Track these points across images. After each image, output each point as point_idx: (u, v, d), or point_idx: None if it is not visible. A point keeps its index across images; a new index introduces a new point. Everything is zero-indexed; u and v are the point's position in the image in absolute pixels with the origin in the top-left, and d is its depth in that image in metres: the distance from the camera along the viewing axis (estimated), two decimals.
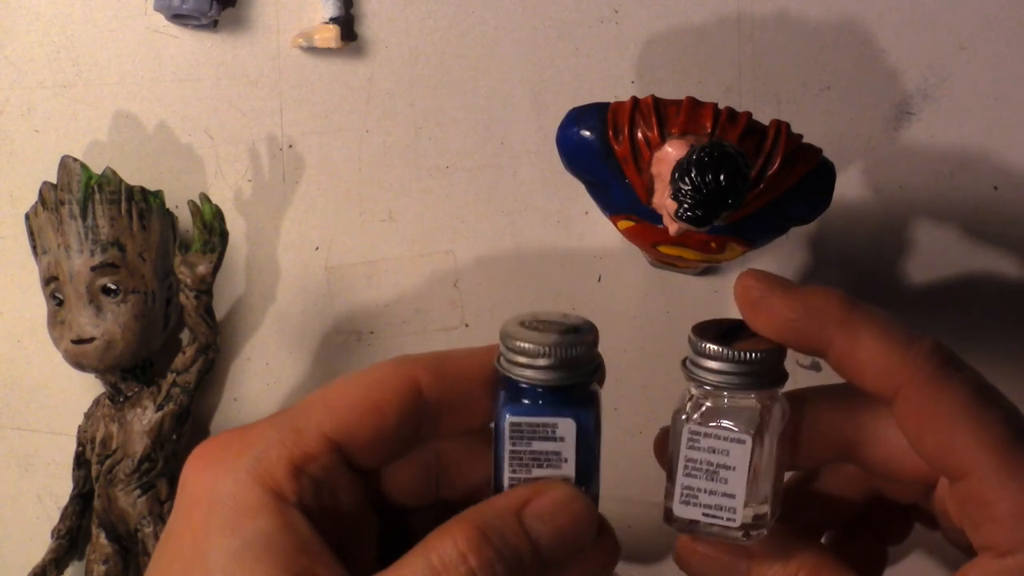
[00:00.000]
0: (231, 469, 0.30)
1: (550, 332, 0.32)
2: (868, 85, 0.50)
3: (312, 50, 0.52)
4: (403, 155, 0.52)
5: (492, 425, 0.33)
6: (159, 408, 0.50)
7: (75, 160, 0.49)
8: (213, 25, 0.52)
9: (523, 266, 0.52)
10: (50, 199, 0.49)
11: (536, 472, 0.32)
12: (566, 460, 0.32)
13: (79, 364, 0.49)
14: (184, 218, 0.52)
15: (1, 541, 0.56)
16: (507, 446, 0.32)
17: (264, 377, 0.53)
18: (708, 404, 0.32)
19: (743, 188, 0.32)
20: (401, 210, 0.52)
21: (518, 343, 0.31)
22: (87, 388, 0.53)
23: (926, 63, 0.50)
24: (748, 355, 0.31)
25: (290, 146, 0.53)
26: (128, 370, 0.50)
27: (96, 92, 0.53)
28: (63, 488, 0.53)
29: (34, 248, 0.50)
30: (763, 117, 0.39)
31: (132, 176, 0.50)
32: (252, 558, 0.29)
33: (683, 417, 0.32)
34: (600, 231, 0.51)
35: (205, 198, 0.49)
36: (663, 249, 0.36)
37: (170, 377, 0.50)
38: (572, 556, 0.31)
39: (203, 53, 0.53)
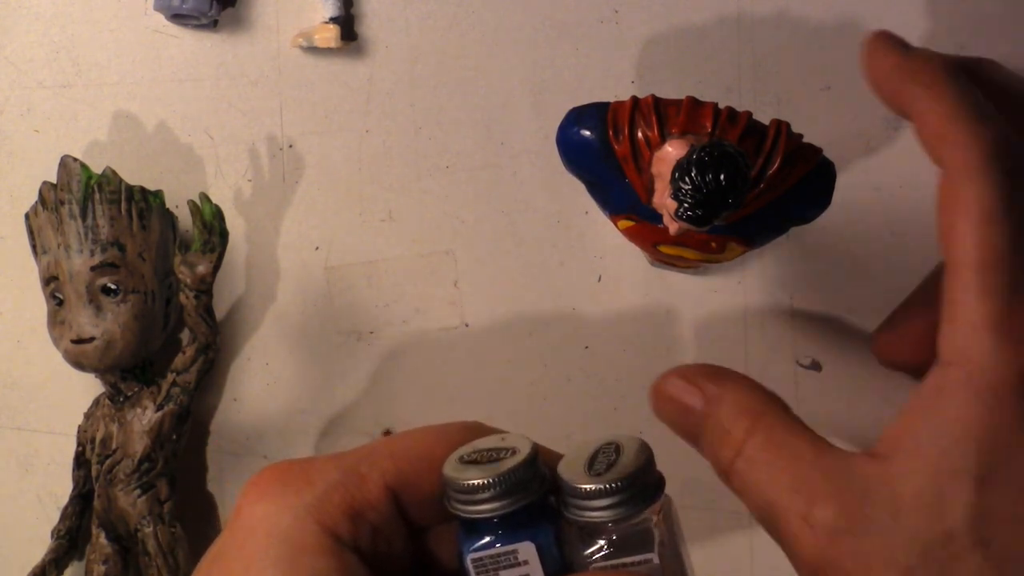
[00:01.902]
0: (291, 505, 0.31)
1: (486, 463, 0.32)
2: (868, 85, 0.50)
3: (312, 50, 0.52)
4: (403, 155, 0.52)
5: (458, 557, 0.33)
6: (159, 408, 0.50)
7: (75, 160, 0.49)
8: (213, 25, 0.52)
9: (523, 266, 0.52)
10: (50, 199, 0.49)
11: None
12: None
13: (79, 364, 0.49)
14: (184, 218, 0.52)
15: (1, 541, 0.56)
16: None
17: (264, 377, 0.53)
18: (602, 540, 0.32)
19: (743, 188, 0.32)
20: (401, 210, 0.52)
21: (457, 482, 0.31)
22: (87, 388, 0.53)
23: None
24: (622, 482, 0.31)
25: (290, 146, 0.53)
26: (128, 370, 0.50)
27: (96, 92, 0.53)
28: (63, 488, 0.53)
29: (34, 248, 0.50)
30: (763, 117, 0.39)
31: (132, 176, 0.50)
32: None
33: (585, 554, 0.32)
34: (600, 231, 0.51)
35: (205, 198, 0.49)
36: (663, 249, 0.36)
37: (170, 377, 0.50)
38: None
39: (203, 53, 0.53)
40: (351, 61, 0.52)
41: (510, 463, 0.32)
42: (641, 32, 0.50)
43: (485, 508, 0.31)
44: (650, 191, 0.35)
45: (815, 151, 0.37)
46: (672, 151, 0.33)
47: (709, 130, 0.34)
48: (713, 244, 0.35)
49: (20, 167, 0.54)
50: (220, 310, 0.53)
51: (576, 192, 0.51)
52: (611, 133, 0.35)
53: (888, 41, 0.34)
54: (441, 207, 0.52)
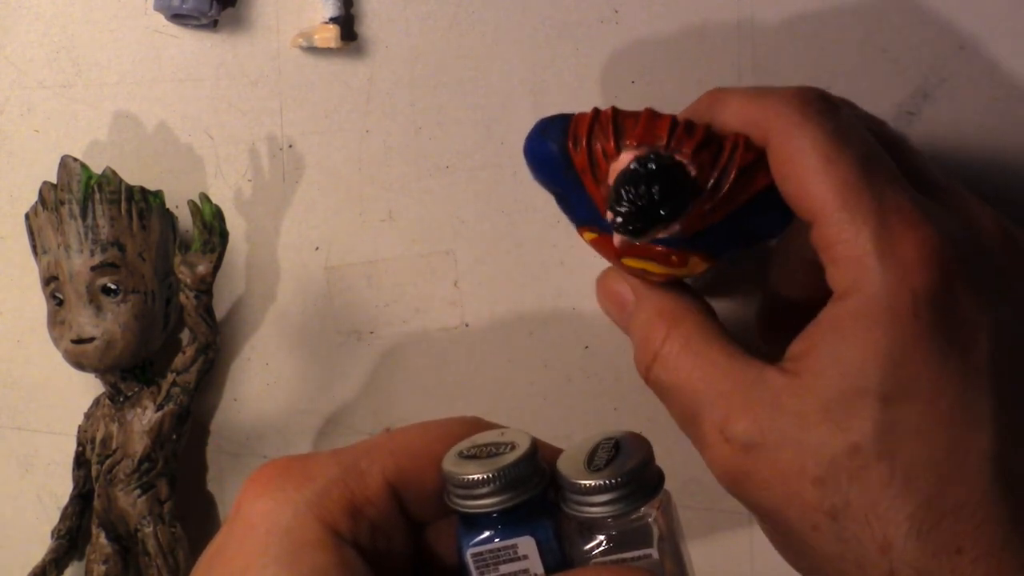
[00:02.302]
0: (291, 501, 0.31)
1: (485, 457, 0.32)
2: (868, 85, 0.50)
3: (312, 50, 0.52)
4: (403, 155, 0.52)
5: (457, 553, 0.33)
6: (159, 408, 0.50)
7: (75, 160, 0.49)
8: (213, 25, 0.52)
9: (523, 266, 0.52)
10: (50, 199, 0.49)
11: None
12: (536, 575, 0.32)
13: (79, 364, 0.49)
14: (184, 218, 0.52)
15: (1, 541, 0.56)
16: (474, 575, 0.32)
17: (264, 377, 0.53)
18: (601, 535, 0.32)
19: (680, 201, 0.32)
20: (401, 210, 0.52)
21: (457, 477, 0.32)
22: (87, 388, 0.53)
23: (926, 63, 0.50)
24: (621, 477, 0.31)
25: (290, 146, 0.53)
26: (128, 370, 0.50)
27: (96, 92, 0.53)
28: (63, 488, 0.53)
29: (34, 248, 0.50)
30: None
31: (132, 176, 0.50)
32: None
33: (584, 550, 0.32)
34: None
35: (205, 198, 0.49)
36: (626, 262, 0.35)
37: (170, 377, 0.50)
38: None
39: (203, 53, 0.53)
40: (351, 61, 0.52)
41: (509, 458, 0.32)
42: (641, 32, 0.50)
43: (484, 503, 0.31)
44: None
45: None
46: (625, 163, 0.33)
47: (665, 142, 0.33)
48: (674, 258, 0.35)
49: (20, 167, 0.54)
50: (220, 310, 0.53)
51: None
52: (570, 144, 0.35)
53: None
54: (441, 207, 0.52)
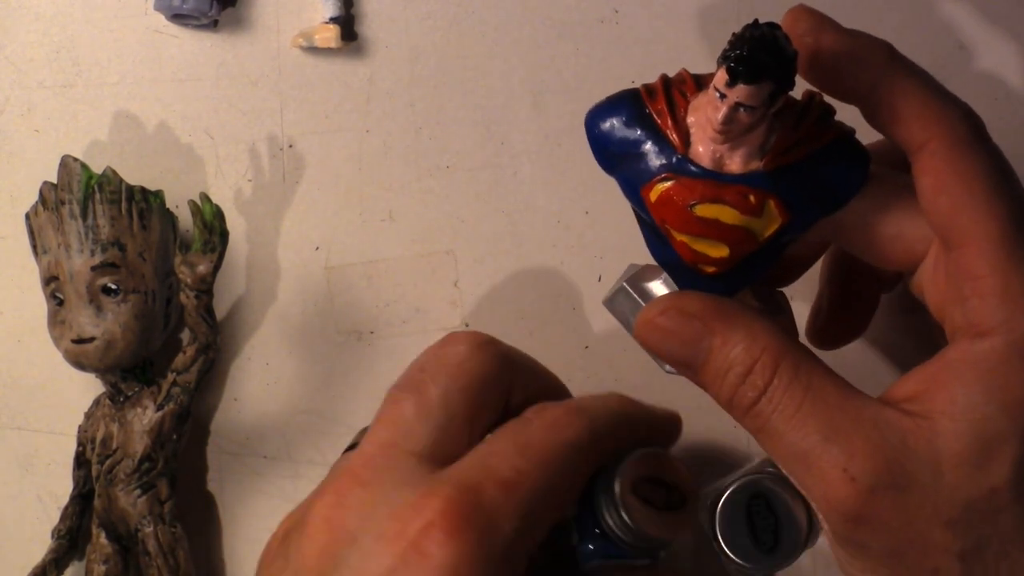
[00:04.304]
0: (483, 559, 0.30)
1: (657, 503, 0.34)
2: None
3: (312, 50, 0.52)
4: (403, 155, 0.52)
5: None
6: (159, 408, 0.50)
7: (75, 160, 0.49)
8: (213, 25, 0.52)
9: (523, 266, 0.52)
10: (50, 199, 0.49)
11: None
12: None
13: (79, 364, 0.49)
14: (184, 218, 0.52)
15: (1, 541, 0.56)
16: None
17: (264, 377, 0.53)
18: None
19: (789, 47, 0.32)
20: (401, 210, 0.52)
21: (633, 529, 0.33)
22: (87, 388, 0.53)
23: (926, 63, 0.50)
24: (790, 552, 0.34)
25: (290, 146, 0.53)
26: (128, 370, 0.50)
27: (96, 92, 0.53)
28: (63, 488, 0.53)
29: (34, 248, 0.50)
30: None
31: (132, 176, 0.50)
32: None
33: None
34: (600, 231, 0.51)
35: (205, 198, 0.49)
36: (699, 211, 0.35)
37: (170, 377, 0.50)
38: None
39: (203, 53, 0.53)
40: (351, 61, 0.52)
41: (680, 522, 0.34)
42: (641, 32, 0.50)
43: (641, 547, 0.34)
44: (687, 141, 0.35)
45: (847, 127, 0.37)
46: (707, 99, 0.33)
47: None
48: (752, 198, 0.34)
49: (20, 167, 0.54)
50: (220, 310, 0.53)
51: (576, 192, 0.51)
52: (645, 94, 0.35)
53: (812, 17, 0.33)
54: (441, 207, 0.52)
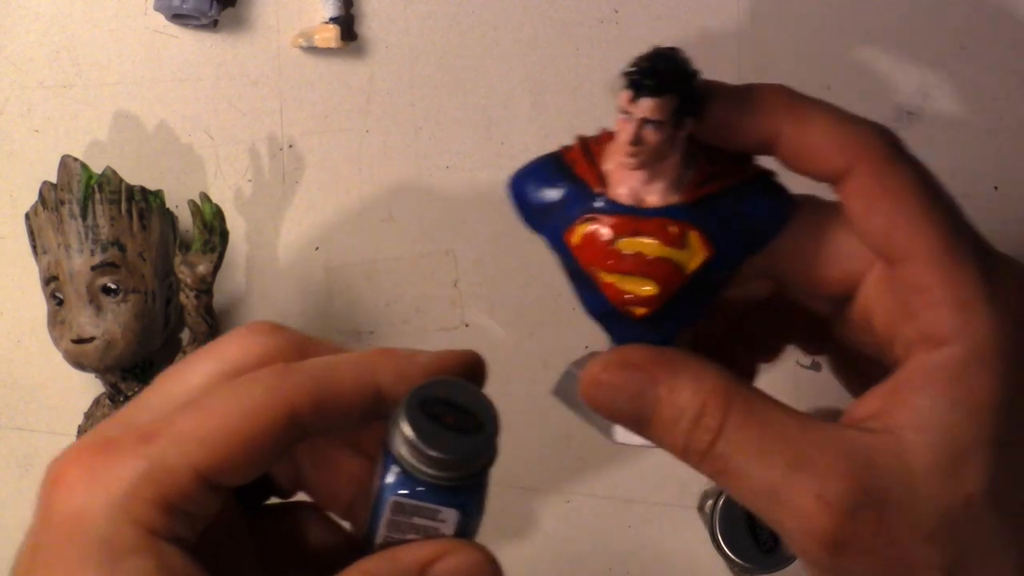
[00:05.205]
0: (104, 505, 0.30)
1: (450, 431, 0.32)
2: (868, 85, 0.50)
3: (312, 50, 0.52)
4: (403, 155, 0.52)
5: (374, 483, 0.33)
6: None
7: (75, 160, 0.49)
8: (213, 25, 0.52)
9: (523, 266, 0.52)
10: (50, 199, 0.49)
11: (411, 536, 0.32)
12: (443, 535, 0.32)
13: (79, 364, 0.49)
14: (184, 218, 0.52)
15: (1, 541, 0.56)
16: (386, 514, 0.32)
17: None
18: None
19: (689, 64, 0.32)
20: (401, 210, 0.52)
21: (417, 445, 0.31)
22: (87, 388, 0.53)
23: (926, 63, 0.50)
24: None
25: (290, 146, 0.53)
26: (128, 370, 0.50)
27: (96, 92, 0.53)
28: None
29: (34, 248, 0.50)
30: None
31: (132, 176, 0.50)
32: None
33: None
34: None
35: (205, 198, 0.49)
36: (622, 245, 0.35)
37: None
38: None
39: (203, 53, 0.53)
40: (351, 61, 0.52)
41: (476, 444, 0.31)
42: (641, 32, 0.50)
43: (434, 475, 0.31)
44: (605, 183, 0.35)
45: (765, 168, 0.37)
46: (619, 137, 0.34)
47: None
48: (672, 229, 0.34)
49: (20, 167, 0.54)
50: (220, 310, 0.53)
51: None
52: (563, 151, 0.36)
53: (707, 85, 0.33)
54: (441, 207, 0.52)
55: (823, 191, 0.33)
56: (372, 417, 0.32)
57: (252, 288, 0.53)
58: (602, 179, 0.35)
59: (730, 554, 0.45)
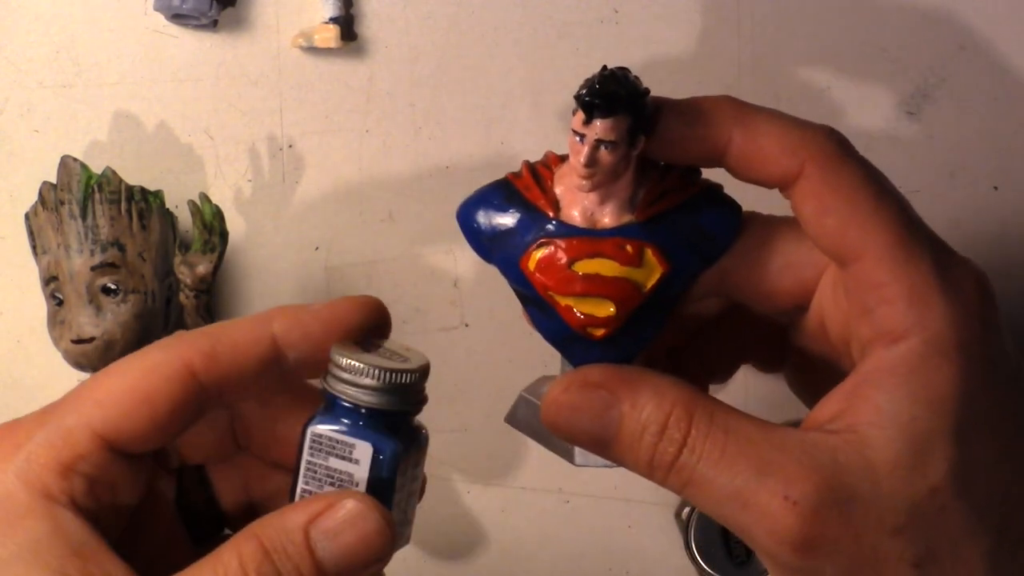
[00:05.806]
0: (0, 472, 0.30)
1: (379, 356, 0.32)
2: (868, 85, 0.50)
3: (312, 50, 0.52)
4: (403, 155, 0.52)
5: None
6: None
7: (75, 160, 0.49)
8: (213, 25, 0.52)
9: None
10: (50, 199, 0.49)
11: (328, 490, 0.32)
12: (357, 484, 0.32)
13: (79, 364, 0.49)
14: (184, 218, 0.52)
15: None
16: (305, 456, 0.32)
17: None
18: None
19: (639, 83, 0.33)
20: (401, 210, 0.52)
21: (341, 358, 0.32)
22: None
23: (926, 63, 0.50)
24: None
25: (290, 146, 0.53)
26: None
27: (96, 92, 0.53)
28: None
29: (34, 248, 0.50)
30: None
31: (132, 176, 0.50)
32: (23, 564, 0.29)
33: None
34: None
35: (205, 198, 0.49)
36: (579, 267, 0.35)
37: None
38: (362, 573, 0.31)
39: (203, 53, 0.53)
40: (351, 61, 0.52)
41: (404, 366, 0.32)
42: (641, 32, 0.50)
43: (350, 393, 0.32)
44: (557, 207, 0.35)
45: (712, 182, 0.37)
46: (571, 164, 0.34)
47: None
48: (628, 248, 0.34)
49: (20, 167, 0.54)
50: (220, 310, 0.53)
51: None
52: (511, 177, 0.36)
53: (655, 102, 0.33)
54: (441, 207, 0.52)
55: (773, 201, 0.33)
56: (271, 367, 0.33)
57: (252, 288, 0.53)
58: (555, 203, 0.35)
59: (702, 564, 0.45)
